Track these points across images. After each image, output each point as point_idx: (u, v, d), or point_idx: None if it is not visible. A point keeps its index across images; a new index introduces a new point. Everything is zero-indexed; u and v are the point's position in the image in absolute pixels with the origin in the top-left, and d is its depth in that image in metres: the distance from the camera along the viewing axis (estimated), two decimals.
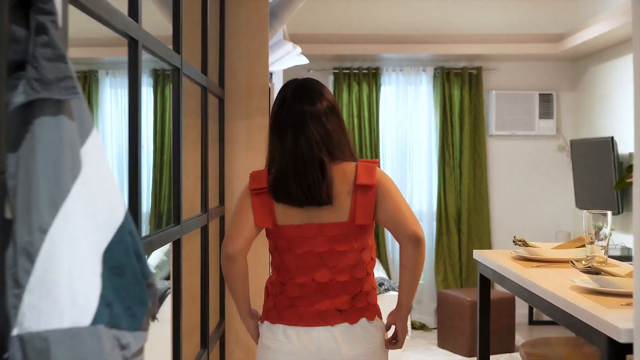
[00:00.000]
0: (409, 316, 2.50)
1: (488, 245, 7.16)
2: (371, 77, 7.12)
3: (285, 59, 4.97)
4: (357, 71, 7.13)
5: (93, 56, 6.82)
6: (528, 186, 7.27)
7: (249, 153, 3.92)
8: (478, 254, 3.53)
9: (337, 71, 7.14)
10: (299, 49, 5.00)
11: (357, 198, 2.24)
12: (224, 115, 3.89)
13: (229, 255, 2.28)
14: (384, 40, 6.67)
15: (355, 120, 7.16)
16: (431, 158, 7.15)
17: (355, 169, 2.28)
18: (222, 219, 3.85)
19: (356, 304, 2.28)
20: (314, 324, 2.25)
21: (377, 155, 7.11)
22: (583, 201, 6.64)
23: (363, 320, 2.28)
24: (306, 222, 2.27)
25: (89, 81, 7.01)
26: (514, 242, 3.31)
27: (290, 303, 2.28)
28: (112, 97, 6.30)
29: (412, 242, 2.23)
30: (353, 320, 2.27)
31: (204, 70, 3.29)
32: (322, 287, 2.27)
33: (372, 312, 2.32)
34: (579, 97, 7.12)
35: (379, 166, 2.32)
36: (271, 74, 4.98)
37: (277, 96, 2.39)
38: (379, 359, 2.30)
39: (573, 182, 6.82)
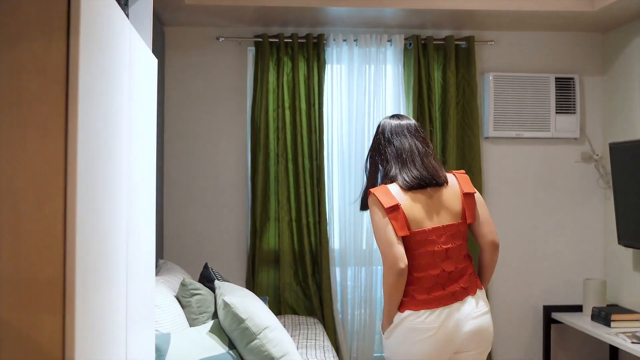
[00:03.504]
0: None
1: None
2: (311, 49, 4.74)
3: None
4: (290, 40, 4.74)
5: None
6: (540, 212, 4.98)
7: (27, 157, 1.48)
8: None
9: (260, 40, 4.73)
10: None
11: (465, 203, 2.94)
12: None
13: (401, 272, 2.81)
14: None
15: (288, 113, 4.75)
16: None
17: (456, 179, 3.01)
18: None
19: (471, 280, 2.93)
20: (449, 302, 2.85)
21: (319, 166, 4.73)
22: (629, 234, 4.39)
23: (478, 290, 2.94)
24: (432, 226, 2.89)
25: None
26: None
27: (427, 292, 2.86)
28: None
29: (491, 248, 2.96)
30: (473, 292, 2.91)
31: None
32: (449, 275, 2.89)
33: (479, 284, 2.98)
34: (612, 82, 4.89)
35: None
36: None
37: (378, 129, 3.14)
38: (490, 315, 2.95)
39: (614, 205, 4.55)
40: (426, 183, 2.92)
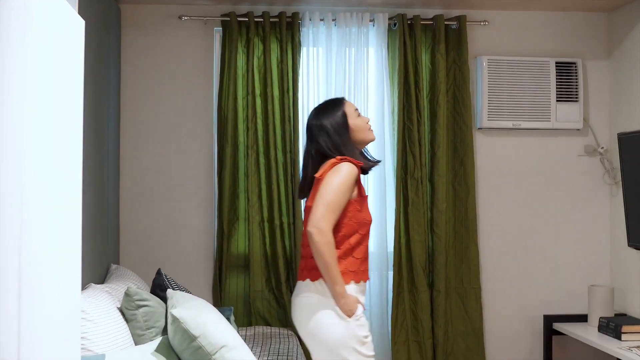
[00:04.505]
0: (342, 296, 2.76)
1: (478, 310, 4.34)
2: (285, 30, 4.24)
3: None
4: (261, 19, 4.24)
5: None
6: (539, 210, 4.50)
7: None
8: None
9: (227, 19, 4.23)
10: None
11: (314, 188, 2.89)
12: None
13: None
14: None
15: (258, 101, 4.26)
16: (384, 165, 4.31)
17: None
18: None
19: (305, 267, 2.88)
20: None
21: (294, 160, 4.23)
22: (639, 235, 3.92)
23: (307, 280, 2.85)
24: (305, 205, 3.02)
25: None
26: None
27: None
28: None
29: (308, 235, 2.76)
30: (302, 278, 2.89)
31: None
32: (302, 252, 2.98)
33: (315, 275, 2.82)
34: (619, 66, 4.43)
35: (347, 161, 2.84)
36: None
37: None
38: (313, 308, 2.80)
39: (624, 203, 4.07)
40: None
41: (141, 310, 2.92)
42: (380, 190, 4.32)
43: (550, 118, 4.44)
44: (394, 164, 4.31)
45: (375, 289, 4.32)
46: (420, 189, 4.29)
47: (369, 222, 2.89)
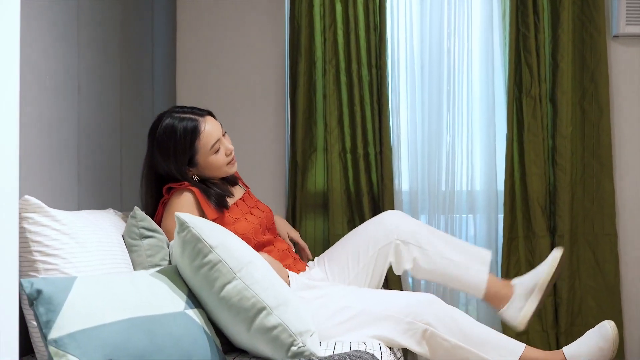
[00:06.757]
0: None
1: (613, 261, 3.49)
2: None
3: None
4: None
5: None
6: None
7: None
8: None
9: None
10: None
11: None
12: None
13: None
14: None
15: (338, 6, 3.54)
16: (493, 81, 3.52)
17: None
18: None
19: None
20: None
21: (381, 77, 3.49)
22: None
23: None
24: None
25: None
26: None
27: None
28: None
29: None
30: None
31: None
32: None
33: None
34: None
35: (176, 189, 2.52)
36: None
37: None
38: None
39: None
40: None
41: (145, 241, 2.25)
42: (488, 112, 3.53)
43: None
44: (505, 80, 3.50)
45: (483, 234, 3.56)
46: (539, 110, 3.46)
47: (244, 234, 2.52)
